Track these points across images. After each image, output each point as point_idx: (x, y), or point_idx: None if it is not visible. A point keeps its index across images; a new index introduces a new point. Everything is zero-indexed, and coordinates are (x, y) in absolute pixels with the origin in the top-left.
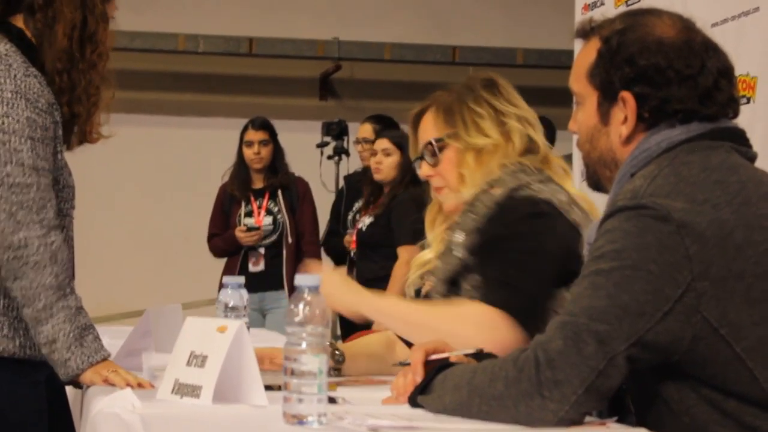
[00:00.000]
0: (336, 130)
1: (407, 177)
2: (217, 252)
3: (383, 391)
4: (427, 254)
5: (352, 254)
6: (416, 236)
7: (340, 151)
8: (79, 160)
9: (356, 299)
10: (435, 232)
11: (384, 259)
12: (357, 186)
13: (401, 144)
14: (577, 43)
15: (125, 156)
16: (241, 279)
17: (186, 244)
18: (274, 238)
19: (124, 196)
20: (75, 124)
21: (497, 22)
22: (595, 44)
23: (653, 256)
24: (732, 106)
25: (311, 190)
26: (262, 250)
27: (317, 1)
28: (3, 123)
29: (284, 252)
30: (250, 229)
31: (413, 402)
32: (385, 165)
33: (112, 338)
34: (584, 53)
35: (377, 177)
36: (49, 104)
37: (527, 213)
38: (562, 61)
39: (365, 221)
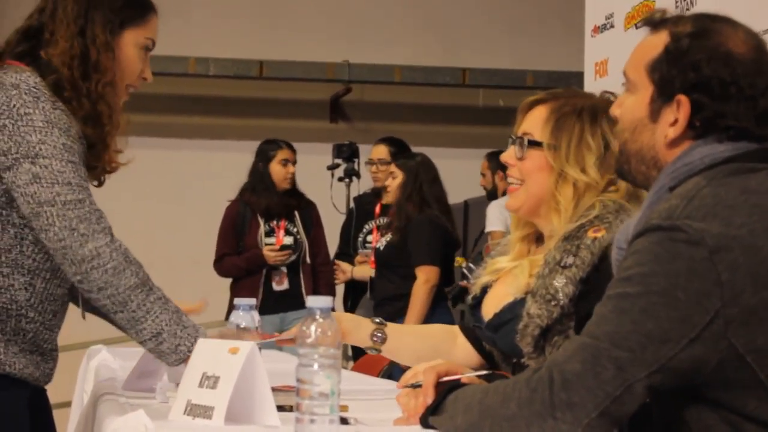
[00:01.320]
0: (346, 152)
1: (414, 195)
2: (232, 272)
3: (395, 412)
4: (503, 261)
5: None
6: (433, 256)
7: (351, 173)
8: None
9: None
10: (517, 244)
11: (400, 278)
12: (367, 207)
13: (403, 167)
14: (641, 32)
15: (136, 178)
16: (252, 301)
17: (196, 266)
18: (293, 258)
19: (135, 218)
20: (93, 155)
21: (507, 45)
22: (663, 38)
23: (682, 283)
24: None
25: (319, 213)
26: (284, 269)
27: (327, 24)
28: (41, 149)
29: (301, 272)
30: (282, 249)
31: (425, 423)
32: (392, 186)
33: (125, 360)
34: (649, 44)
35: (385, 200)
36: (78, 134)
37: None
38: (572, 83)
39: (382, 241)
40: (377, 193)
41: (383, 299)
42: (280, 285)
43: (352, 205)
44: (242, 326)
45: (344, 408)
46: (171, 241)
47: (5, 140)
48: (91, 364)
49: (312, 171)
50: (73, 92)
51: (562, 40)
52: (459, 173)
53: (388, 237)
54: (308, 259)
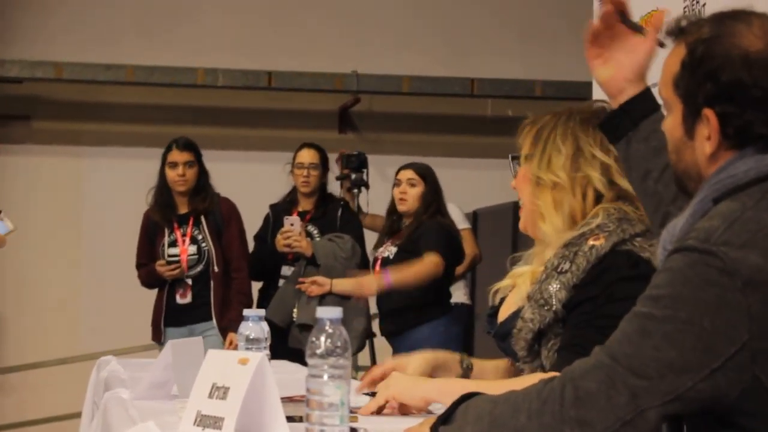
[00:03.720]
0: (355, 163)
1: (431, 208)
2: (144, 284)
3: (405, 422)
4: (525, 268)
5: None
6: (442, 249)
7: (360, 183)
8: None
9: (426, 388)
10: (537, 254)
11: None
12: (283, 215)
13: (425, 175)
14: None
15: (145, 189)
16: (261, 312)
17: None
18: (200, 268)
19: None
20: None
21: (515, 54)
22: (680, 51)
23: (710, 314)
24: None
25: (238, 210)
26: (189, 281)
27: (335, 34)
28: None
29: (211, 282)
30: (170, 262)
31: None
32: (410, 195)
33: (134, 371)
34: (671, 59)
35: (402, 208)
36: None
37: (624, 276)
38: (581, 92)
39: (391, 250)
40: (292, 200)
41: (391, 310)
42: (183, 298)
43: (268, 211)
44: (251, 337)
45: (354, 418)
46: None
47: None
48: (100, 375)
49: None
50: None
51: (571, 50)
52: (468, 183)
53: (395, 246)
54: (215, 268)
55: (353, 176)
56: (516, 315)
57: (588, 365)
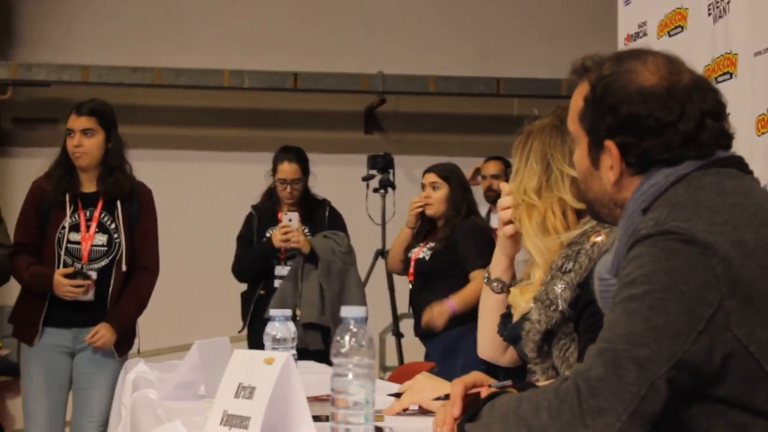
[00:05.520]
0: (381, 163)
1: (462, 209)
2: (23, 285)
3: (430, 422)
4: (515, 290)
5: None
6: (485, 260)
7: (386, 184)
8: None
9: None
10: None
11: (448, 288)
12: (267, 215)
13: (448, 177)
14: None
15: (172, 191)
16: (288, 312)
17: (232, 279)
18: (105, 262)
19: (171, 231)
20: None
21: (541, 54)
22: (584, 88)
23: (683, 278)
24: (722, 140)
25: (153, 200)
26: (94, 275)
27: (361, 35)
28: None
29: (112, 281)
30: (76, 275)
31: (461, 430)
32: (435, 198)
33: (162, 372)
34: (576, 95)
35: (428, 212)
36: None
37: None
38: None
39: (426, 252)
40: (275, 200)
41: (424, 312)
42: (86, 295)
43: (251, 210)
44: (278, 337)
45: (379, 417)
46: (207, 253)
47: None
48: (128, 376)
49: (347, 182)
50: None
51: (595, 49)
52: None
53: (431, 247)
54: (124, 266)
55: (380, 177)
56: (525, 318)
57: (590, 356)
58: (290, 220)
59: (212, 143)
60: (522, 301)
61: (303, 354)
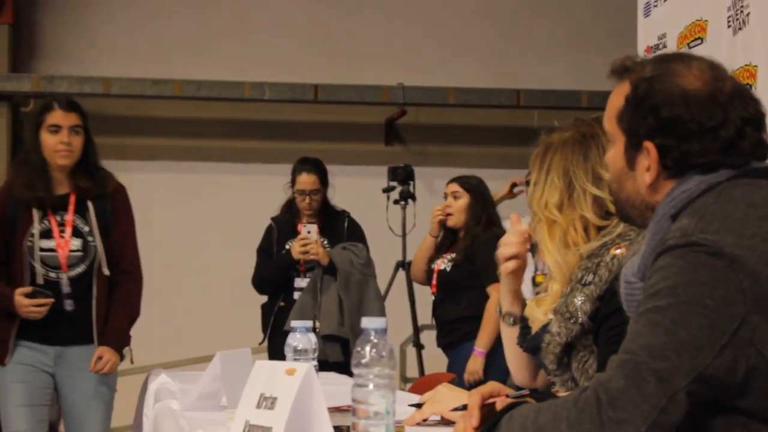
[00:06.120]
0: (402, 175)
1: (482, 219)
2: None
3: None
4: (531, 302)
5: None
6: None
7: (407, 196)
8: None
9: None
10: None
11: (469, 299)
12: (286, 226)
13: (469, 188)
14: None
15: (193, 203)
16: (309, 323)
17: (252, 290)
18: (81, 269)
19: (193, 243)
20: None
21: (561, 65)
22: (625, 88)
23: (708, 292)
24: (758, 151)
25: (128, 198)
26: (67, 286)
27: (381, 47)
28: None
29: (94, 289)
30: (36, 294)
31: None
32: (455, 208)
33: (183, 383)
34: (616, 95)
35: (450, 223)
36: None
37: None
38: None
39: (447, 263)
40: (294, 212)
41: (447, 322)
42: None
43: (270, 222)
44: (299, 348)
45: (400, 429)
46: (228, 264)
47: None
48: (150, 387)
49: (367, 194)
50: None
51: None
52: None
53: (452, 258)
54: (104, 270)
55: (400, 188)
56: (545, 329)
57: (611, 367)
58: (309, 232)
59: (233, 155)
60: (538, 313)
61: (323, 366)
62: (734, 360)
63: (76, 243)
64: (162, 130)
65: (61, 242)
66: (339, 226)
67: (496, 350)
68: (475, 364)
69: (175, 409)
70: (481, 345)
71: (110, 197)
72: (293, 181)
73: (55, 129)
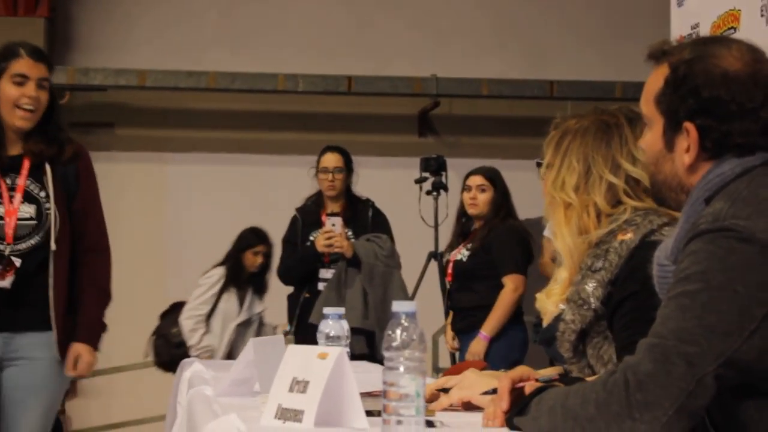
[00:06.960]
0: (434, 166)
1: (502, 212)
2: None
3: (479, 417)
4: (541, 295)
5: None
6: (519, 264)
7: (439, 186)
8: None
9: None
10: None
11: (485, 289)
12: (312, 217)
13: (494, 179)
14: (649, 66)
15: (228, 194)
16: (341, 310)
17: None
18: (35, 240)
19: (228, 235)
20: None
21: (594, 56)
22: (664, 70)
23: (739, 277)
24: None
25: (92, 164)
26: (17, 261)
27: (414, 39)
28: None
29: (51, 266)
30: None
31: (510, 423)
32: (481, 200)
33: (217, 370)
34: (654, 78)
35: (472, 211)
36: None
37: None
38: None
39: (464, 253)
40: (319, 202)
41: (462, 309)
42: (1, 279)
43: (295, 213)
44: (332, 335)
45: (431, 412)
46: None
47: None
48: (184, 375)
49: (400, 185)
50: None
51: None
52: None
53: (469, 247)
54: (53, 244)
55: (432, 179)
56: (558, 319)
57: (640, 351)
58: (333, 225)
59: (266, 146)
60: (549, 304)
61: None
62: (763, 345)
63: (28, 210)
64: (196, 122)
65: (10, 209)
66: (363, 215)
67: (500, 337)
68: (477, 346)
69: (209, 395)
70: (487, 330)
71: (74, 163)
72: (318, 163)
73: (21, 80)
